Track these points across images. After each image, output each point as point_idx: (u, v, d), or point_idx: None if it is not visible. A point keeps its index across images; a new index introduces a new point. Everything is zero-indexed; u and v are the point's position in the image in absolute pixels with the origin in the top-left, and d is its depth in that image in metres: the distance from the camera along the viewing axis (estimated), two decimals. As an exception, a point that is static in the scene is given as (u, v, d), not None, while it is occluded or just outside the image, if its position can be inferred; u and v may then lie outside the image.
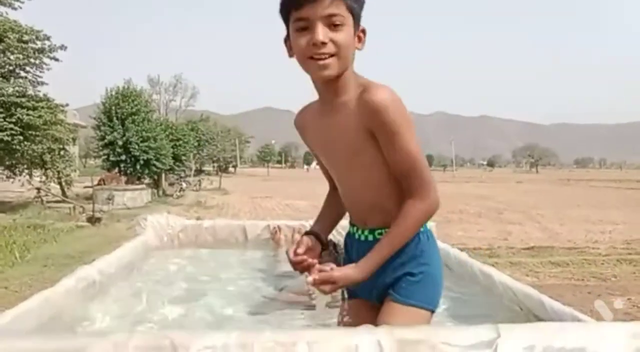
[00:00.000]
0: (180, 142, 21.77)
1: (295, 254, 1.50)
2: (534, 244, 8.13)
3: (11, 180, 14.03)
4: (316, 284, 1.39)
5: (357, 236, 1.57)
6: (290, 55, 1.41)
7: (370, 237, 1.53)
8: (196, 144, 30.16)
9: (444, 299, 3.30)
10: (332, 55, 1.33)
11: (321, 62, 1.33)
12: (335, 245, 2.54)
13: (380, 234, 1.49)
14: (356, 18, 1.36)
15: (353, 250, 1.60)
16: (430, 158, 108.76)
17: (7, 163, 13.29)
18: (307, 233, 1.61)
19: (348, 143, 1.42)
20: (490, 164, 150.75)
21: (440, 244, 4.05)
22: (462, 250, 3.94)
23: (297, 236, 2.87)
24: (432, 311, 1.52)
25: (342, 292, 1.66)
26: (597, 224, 11.28)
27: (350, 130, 1.40)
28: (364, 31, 1.41)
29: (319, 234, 1.59)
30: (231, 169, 57.41)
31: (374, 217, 1.51)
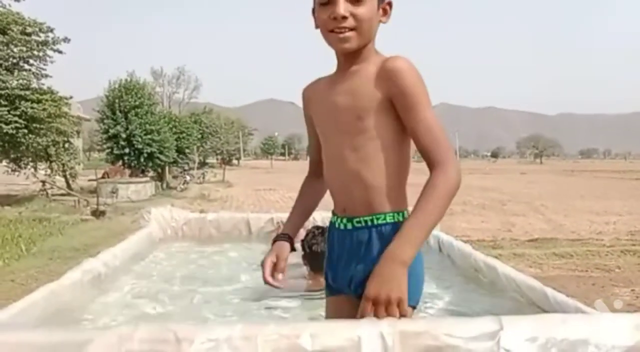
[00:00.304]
0: (184, 134, 21.76)
1: (274, 276, 1.51)
2: (538, 235, 8.11)
3: (16, 173, 14.09)
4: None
5: (337, 224, 1.53)
6: (317, 27, 1.44)
7: (349, 226, 1.47)
8: (199, 136, 30.16)
9: (447, 290, 3.31)
10: (352, 29, 1.34)
11: (341, 36, 1.35)
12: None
13: (359, 222, 1.44)
14: None
15: (334, 240, 1.54)
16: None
17: (12, 156, 13.35)
18: (280, 237, 1.59)
19: (355, 106, 1.39)
20: (494, 155, 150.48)
21: (443, 236, 4.08)
22: (465, 242, 3.95)
23: (302, 231, 2.88)
24: (413, 307, 1.46)
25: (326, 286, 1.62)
26: (601, 215, 11.25)
27: (362, 93, 1.38)
28: (390, 4, 1.42)
29: (291, 238, 1.60)
30: (235, 162, 57.43)
31: (354, 200, 1.44)
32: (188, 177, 20.67)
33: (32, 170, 14.14)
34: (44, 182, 14.05)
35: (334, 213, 1.56)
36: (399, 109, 1.35)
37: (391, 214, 1.41)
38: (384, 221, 1.41)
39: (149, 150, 16.83)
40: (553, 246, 7.15)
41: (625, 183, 25.20)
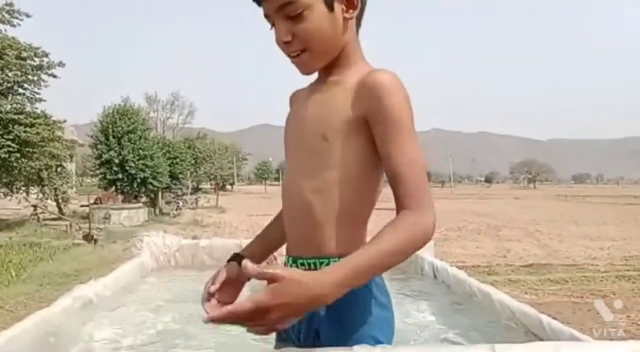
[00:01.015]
0: (177, 160, 21.83)
1: (209, 295, 1.18)
2: (533, 261, 8.12)
3: (8, 197, 14.01)
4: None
5: (285, 261, 1.27)
6: None
7: (293, 267, 1.20)
8: (193, 161, 30.21)
9: (442, 317, 3.29)
10: (302, 51, 1.14)
11: (295, 60, 1.17)
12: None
13: (302, 264, 1.18)
14: None
15: None
16: (427, 175, 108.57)
17: (4, 180, 13.29)
18: (232, 258, 1.29)
19: (323, 123, 1.15)
20: (488, 180, 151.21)
21: (438, 262, 4.06)
22: (460, 268, 3.95)
23: (281, 259, 2.60)
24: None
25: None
26: (596, 240, 11.28)
27: (333, 109, 1.15)
28: None
29: (241, 258, 1.27)
30: (228, 187, 57.39)
31: (301, 236, 1.20)
32: (181, 203, 20.61)
33: (24, 194, 14.07)
34: (35, 206, 13.98)
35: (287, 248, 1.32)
36: (375, 134, 1.10)
37: (336, 260, 1.11)
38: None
39: (142, 176, 16.82)
40: (548, 271, 7.15)
41: (618, 208, 25.32)
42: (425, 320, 3.23)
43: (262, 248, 1.38)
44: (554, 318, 2.48)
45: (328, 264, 1.11)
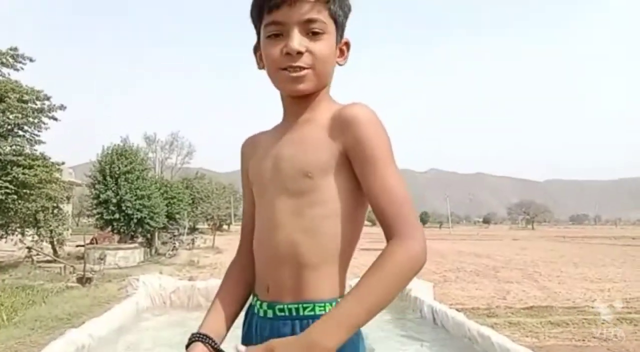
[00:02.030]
0: (175, 200, 21.78)
1: None
2: (533, 303, 8.02)
3: (3, 239, 13.89)
4: None
5: (256, 309, 1.18)
6: (260, 67, 1.21)
7: (270, 313, 1.13)
8: (190, 201, 30.17)
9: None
10: (308, 68, 1.11)
11: (295, 75, 1.11)
12: None
13: (282, 310, 1.11)
14: (339, 27, 1.16)
15: (254, 328, 1.18)
16: (425, 215, 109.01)
17: (0, 222, 13.21)
18: (193, 338, 1.15)
19: (304, 160, 1.11)
20: (486, 221, 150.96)
21: (437, 305, 4.02)
22: (459, 310, 3.90)
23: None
24: None
25: None
26: (596, 282, 11.19)
27: (313, 146, 1.12)
28: (347, 44, 1.21)
29: (206, 338, 1.14)
30: (225, 227, 57.14)
31: (282, 280, 1.12)
32: (177, 243, 20.46)
33: (20, 236, 13.96)
34: (29, 248, 13.85)
35: (254, 294, 1.22)
36: (354, 165, 1.09)
37: (322, 305, 1.09)
38: (312, 312, 1.08)
39: (139, 216, 16.76)
40: (549, 314, 7.06)
41: (617, 249, 25.21)
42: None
43: (223, 319, 1.23)
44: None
45: (313, 309, 1.08)
